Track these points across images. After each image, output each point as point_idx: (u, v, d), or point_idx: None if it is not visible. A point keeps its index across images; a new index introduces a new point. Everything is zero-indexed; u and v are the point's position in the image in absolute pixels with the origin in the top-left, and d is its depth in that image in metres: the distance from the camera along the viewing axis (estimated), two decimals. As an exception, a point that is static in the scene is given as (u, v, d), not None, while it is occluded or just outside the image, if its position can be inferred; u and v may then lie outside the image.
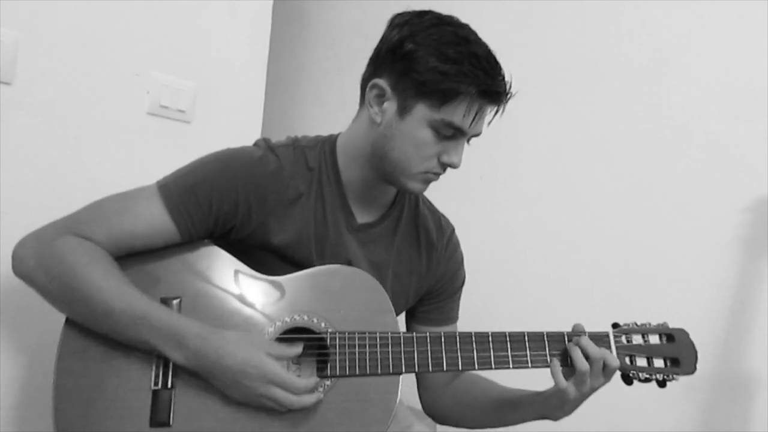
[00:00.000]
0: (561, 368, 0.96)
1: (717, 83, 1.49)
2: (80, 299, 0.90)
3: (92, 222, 0.95)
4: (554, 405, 0.98)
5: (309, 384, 0.91)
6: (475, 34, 0.97)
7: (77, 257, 0.91)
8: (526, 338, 0.99)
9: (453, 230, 1.18)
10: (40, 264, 0.92)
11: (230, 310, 0.97)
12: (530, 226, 1.73)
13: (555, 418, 1.00)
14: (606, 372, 0.96)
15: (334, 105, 2.12)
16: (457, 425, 1.15)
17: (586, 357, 0.95)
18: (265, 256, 1.02)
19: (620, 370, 0.98)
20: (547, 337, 0.99)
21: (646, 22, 1.59)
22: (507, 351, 0.98)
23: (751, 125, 1.44)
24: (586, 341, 0.96)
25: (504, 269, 1.75)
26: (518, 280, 1.74)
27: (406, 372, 0.98)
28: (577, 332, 0.99)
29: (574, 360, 0.95)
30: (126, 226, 0.95)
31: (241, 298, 0.98)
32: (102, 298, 0.89)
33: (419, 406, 1.19)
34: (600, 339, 0.99)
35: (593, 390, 0.97)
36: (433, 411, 1.17)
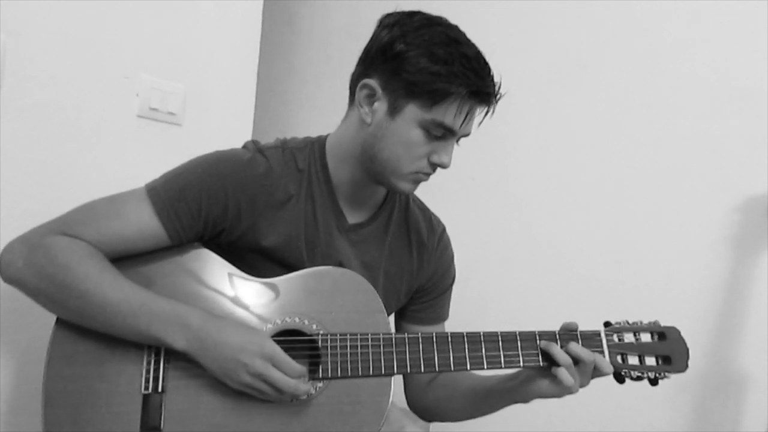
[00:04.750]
0: (548, 366, 0.97)
1: (708, 82, 1.49)
2: (75, 296, 0.89)
3: (81, 223, 0.94)
4: (529, 394, 0.99)
5: (304, 369, 0.91)
6: (465, 35, 0.97)
7: (69, 254, 0.90)
8: (518, 338, 0.99)
9: (443, 229, 1.18)
10: (30, 265, 0.91)
11: (221, 313, 0.96)
12: (522, 226, 1.74)
13: (526, 401, 1.01)
14: (596, 374, 0.96)
15: (325, 106, 2.11)
16: (441, 420, 1.16)
17: (577, 361, 0.95)
18: (255, 259, 1.02)
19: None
20: (538, 336, 0.99)
21: (637, 21, 1.60)
22: (499, 351, 0.98)
23: (743, 124, 1.45)
24: (575, 347, 0.95)
25: (496, 269, 1.75)
26: (510, 279, 1.74)
27: (398, 373, 0.98)
28: (567, 330, 0.99)
29: (558, 375, 0.94)
30: (115, 229, 0.95)
31: (232, 301, 0.97)
32: (99, 290, 0.89)
33: (412, 407, 1.19)
34: (591, 337, 0.99)
35: (581, 387, 0.97)
36: (417, 408, 1.17)
